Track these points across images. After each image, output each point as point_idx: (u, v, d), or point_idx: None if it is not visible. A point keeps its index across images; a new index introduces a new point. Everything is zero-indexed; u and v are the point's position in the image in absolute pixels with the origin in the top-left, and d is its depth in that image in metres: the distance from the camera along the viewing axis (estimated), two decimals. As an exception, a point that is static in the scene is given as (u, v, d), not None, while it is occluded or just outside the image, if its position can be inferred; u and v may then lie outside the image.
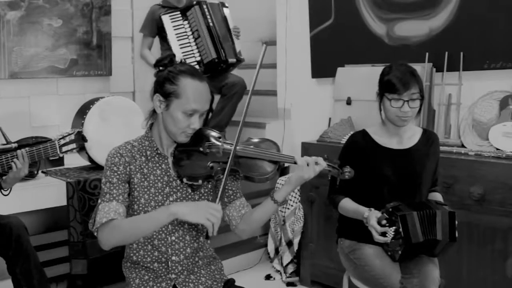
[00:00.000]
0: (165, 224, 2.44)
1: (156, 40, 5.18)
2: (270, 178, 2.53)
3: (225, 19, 5.07)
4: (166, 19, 4.90)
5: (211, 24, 4.91)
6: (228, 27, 5.06)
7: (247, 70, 5.72)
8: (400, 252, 2.79)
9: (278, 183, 4.67)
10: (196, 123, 2.45)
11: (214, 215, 2.28)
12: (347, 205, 3.06)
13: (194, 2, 4.93)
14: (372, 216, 2.85)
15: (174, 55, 2.55)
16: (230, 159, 2.43)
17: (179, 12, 4.94)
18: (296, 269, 4.69)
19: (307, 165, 2.49)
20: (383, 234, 2.82)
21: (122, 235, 2.37)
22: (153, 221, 2.34)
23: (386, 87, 2.95)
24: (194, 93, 2.42)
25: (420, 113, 3.02)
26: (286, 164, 2.60)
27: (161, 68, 2.52)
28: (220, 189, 2.42)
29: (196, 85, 2.44)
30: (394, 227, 2.79)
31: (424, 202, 2.94)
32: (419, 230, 2.78)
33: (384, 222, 2.81)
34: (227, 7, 5.13)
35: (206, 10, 4.92)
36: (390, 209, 2.83)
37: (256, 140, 2.62)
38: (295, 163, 2.51)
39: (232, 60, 4.97)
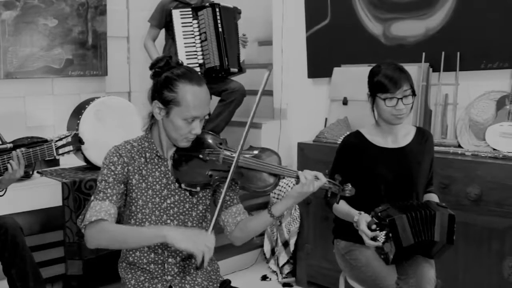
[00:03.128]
0: (152, 244, 2.43)
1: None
2: (269, 191, 2.50)
3: (235, 26, 4.99)
4: (176, 14, 4.82)
5: (220, 30, 4.81)
6: (237, 35, 5.00)
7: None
8: (392, 256, 2.78)
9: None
10: (197, 128, 2.42)
11: (206, 246, 2.24)
12: (340, 208, 3.05)
13: (207, 4, 4.86)
14: (361, 221, 2.83)
15: (170, 57, 2.50)
16: (230, 172, 2.40)
17: (190, 10, 4.85)
18: (292, 270, 4.69)
19: (307, 179, 2.43)
20: (374, 238, 2.80)
21: (108, 241, 2.36)
22: (142, 238, 2.32)
23: (378, 88, 2.94)
24: (194, 100, 2.38)
25: (412, 109, 3.01)
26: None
27: (156, 70, 2.49)
28: (214, 217, 2.39)
29: (195, 91, 2.39)
30: (384, 231, 2.78)
31: (423, 204, 2.92)
32: (410, 232, 2.76)
33: (374, 226, 2.79)
34: (240, 13, 5.04)
35: (218, 14, 4.81)
36: (379, 213, 2.81)
37: (257, 149, 2.57)
38: (297, 177, 2.46)
39: (234, 69, 4.92)
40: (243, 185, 2.48)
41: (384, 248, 2.80)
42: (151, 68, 2.50)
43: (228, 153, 2.48)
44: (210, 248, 2.25)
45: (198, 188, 2.46)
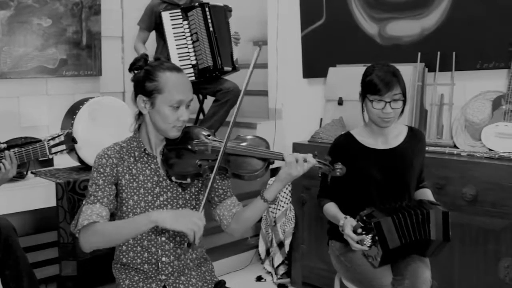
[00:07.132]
0: (145, 231, 2.42)
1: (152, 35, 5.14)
2: (260, 176, 2.52)
3: (227, 24, 4.97)
4: (165, 16, 4.80)
5: (211, 29, 4.80)
6: (229, 33, 4.98)
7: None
8: (379, 259, 2.76)
9: (268, 183, 4.65)
10: (184, 114, 2.45)
11: (195, 224, 2.25)
12: (329, 210, 3.05)
13: (197, 4, 4.84)
14: (347, 225, 2.82)
15: (147, 56, 2.55)
16: (219, 157, 2.42)
17: (180, 11, 4.83)
18: (287, 271, 4.68)
19: (296, 161, 2.45)
20: (361, 242, 2.79)
21: (103, 239, 2.37)
22: (134, 227, 2.32)
23: (368, 88, 2.93)
24: (176, 85, 2.42)
25: (402, 114, 2.99)
26: (276, 163, 2.58)
27: (135, 71, 2.52)
28: (204, 197, 2.41)
29: (175, 76, 2.44)
30: (370, 235, 2.76)
31: (415, 203, 2.90)
32: (396, 234, 2.74)
33: (360, 230, 2.78)
34: (230, 10, 5.03)
35: (208, 14, 4.80)
36: (364, 217, 2.80)
37: (245, 137, 2.62)
38: (283, 159, 2.48)
39: (228, 68, 4.91)
40: (233, 172, 2.49)
41: (369, 252, 2.78)
42: (130, 69, 2.54)
43: (216, 143, 2.52)
44: (200, 226, 2.25)
45: (189, 180, 2.47)
